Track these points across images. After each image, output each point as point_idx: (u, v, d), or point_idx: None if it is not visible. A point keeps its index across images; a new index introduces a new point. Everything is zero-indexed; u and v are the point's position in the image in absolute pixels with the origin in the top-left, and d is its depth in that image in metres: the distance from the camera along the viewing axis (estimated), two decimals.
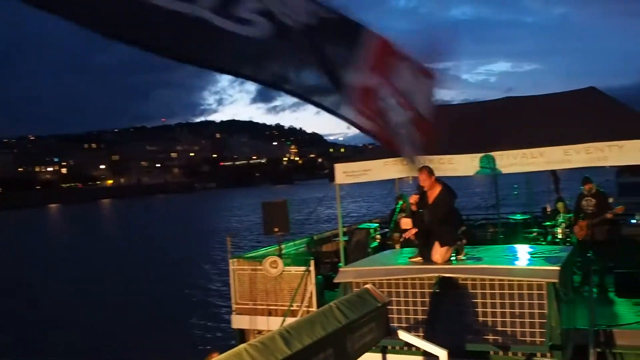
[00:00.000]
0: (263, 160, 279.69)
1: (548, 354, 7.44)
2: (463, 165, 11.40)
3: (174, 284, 32.56)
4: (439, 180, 8.44)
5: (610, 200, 12.71)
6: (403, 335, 6.05)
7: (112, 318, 25.43)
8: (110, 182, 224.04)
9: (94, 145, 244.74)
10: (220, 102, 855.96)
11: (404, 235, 8.58)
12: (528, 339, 7.54)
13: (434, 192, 8.29)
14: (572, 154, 10.41)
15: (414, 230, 8.24)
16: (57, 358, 19.87)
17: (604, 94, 12.20)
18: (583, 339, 8.78)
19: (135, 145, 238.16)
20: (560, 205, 13.53)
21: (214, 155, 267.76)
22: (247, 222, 68.17)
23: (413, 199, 8.36)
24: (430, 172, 8.32)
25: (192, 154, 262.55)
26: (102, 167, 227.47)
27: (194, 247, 48.25)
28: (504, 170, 11.09)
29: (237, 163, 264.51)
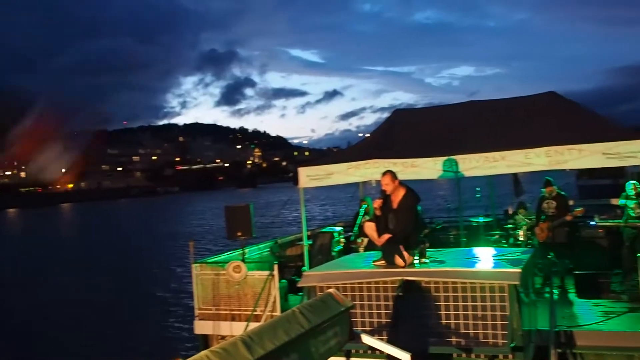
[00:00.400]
0: (227, 164, 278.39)
1: (510, 356, 7.50)
2: (426, 168, 11.48)
3: (136, 290, 32.28)
4: (402, 184, 8.48)
5: (571, 202, 12.92)
6: (366, 339, 6.05)
7: (71, 325, 25.08)
8: (70, 186, 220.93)
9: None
10: (183, 104, 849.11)
11: (378, 241, 8.57)
12: (490, 340, 7.60)
13: (397, 196, 8.32)
14: (533, 157, 10.55)
15: (388, 236, 8.25)
16: None
17: (564, 98, 12.38)
18: (544, 340, 8.90)
19: (96, 149, 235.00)
20: (521, 210, 13.69)
21: (176, 159, 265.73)
22: (210, 227, 67.85)
23: (377, 203, 8.38)
24: (393, 176, 8.36)
25: (154, 158, 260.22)
26: (62, 170, 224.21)
27: (156, 252, 47.87)
28: (467, 174, 11.19)
29: (198, 167, 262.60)
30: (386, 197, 8.37)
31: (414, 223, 8.31)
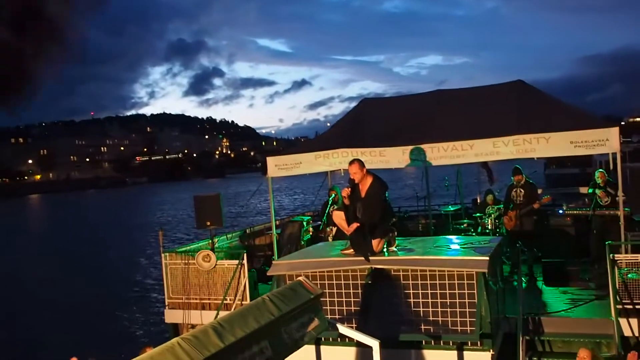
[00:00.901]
0: (195, 154, 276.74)
1: (478, 343, 7.55)
2: (394, 157, 11.50)
3: (106, 280, 32.06)
4: (369, 172, 8.46)
5: (539, 191, 13.03)
6: (337, 326, 6.06)
7: (42, 314, 24.85)
8: (38, 177, 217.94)
9: (20, 140, 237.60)
10: (152, 95, 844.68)
11: (347, 230, 8.55)
12: (459, 328, 7.64)
13: (365, 185, 8.31)
14: (501, 146, 10.61)
15: (356, 225, 8.22)
16: None
17: (532, 86, 12.46)
18: (512, 327, 8.98)
19: (63, 140, 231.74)
20: (489, 197, 13.78)
21: (144, 150, 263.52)
22: (179, 217, 67.55)
23: (345, 191, 8.35)
24: (361, 164, 8.33)
25: (122, 149, 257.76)
26: (30, 162, 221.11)
27: (126, 243, 47.60)
28: (435, 163, 11.22)
29: (167, 157, 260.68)
30: (354, 186, 8.35)
31: (382, 211, 8.30)
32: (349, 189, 8.33)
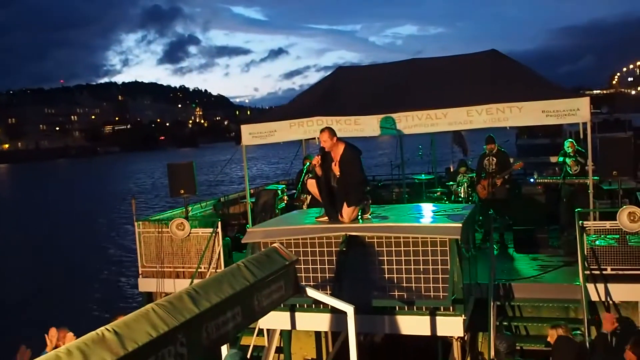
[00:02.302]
0: (167, 123, 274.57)
1: (450, 308, 7.68)
2: (369, 125, 11.52)
3: (78, 249, 31.93)
4: (341, 140, 8.48)
5: (511, 160, 13.16)
6: (311, 293, 6.12)
7: (12, 284, 24.69)
8: (6, 146, 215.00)
9: None
10: (125, 62, 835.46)
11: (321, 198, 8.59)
12: (432, 294, 7.75)
13: (337, 153, 8.32)
14: (474, 114, 10.67)
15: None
16: None
17: (505, 56, 12.51)
18: (484, 293, 9.13)
19: (32, 108, 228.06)
20: (462, 168, 13.88)
21: (116, 118, 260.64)
22: (153, 185, 67.19)
23: (315, 160, 8.36)
24: (332, 133, 8.34)
25: (93, 117, 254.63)
26: None
27: (98, 211, 47.33)
28: (408, 131, 11.27)
29: (138, 126, 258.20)
30: (325, 154, 8.36)
31: (357, 177, 8.33)
32: (319, 156, 8.34)
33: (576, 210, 9.49)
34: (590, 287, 9.03)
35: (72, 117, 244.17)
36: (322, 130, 8.37)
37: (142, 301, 12.24)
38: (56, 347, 7.70)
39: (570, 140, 12.38)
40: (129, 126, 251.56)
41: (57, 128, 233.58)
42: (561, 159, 12.33)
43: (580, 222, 9.25)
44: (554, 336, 7.68)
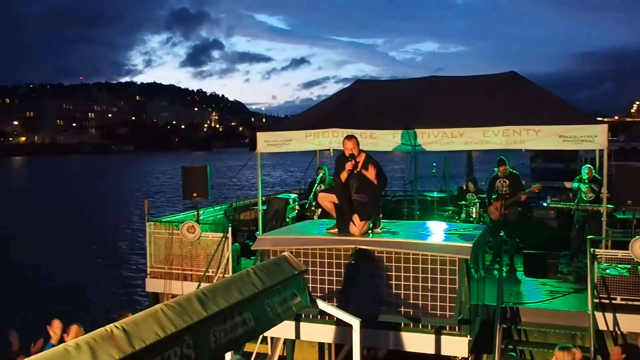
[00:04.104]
0: (183, 126, 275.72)
1: (456, 328, 7.65)
2: (384, 140, 11.54)
3: (88, 246, 32.01)
4: (362, 150, 8.49)
5: (523, 182, 13.11)
6: (318, 304, 6.11)
7: (21, 277, 24.78)
8: (23, 139, 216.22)
9: (7, 100, 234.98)
10: (148, 63, 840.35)
11: (333, 211, 8.56)
12: (438, 312, 7.73)
13: (359, 161, 8.30)
14: (491, 135, 10.67)
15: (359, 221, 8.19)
16: None
17: (525, 79, 12.51)
18: (490, 315, 9.09)
19: (51, 103, 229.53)
20: (471, 185, 13.85)
21: (132, 118, 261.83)
22: (165, 187, 67.39)
23: (350, 164, 8.24)
24: (357, 141, 8.36)
25: (110, 115, 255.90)
26: (15, 123, 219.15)
27: (110, 210, 47.49)
28: (424, 148, 11.28)
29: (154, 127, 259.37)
30: (348, 162, 8.29)
31: (380, 185, 8.28)
32: (352, 162, 8.25)
33: (588, 237, 9.44)
34: (599, 315, 8.96)
35: (89, 114, 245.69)
36: (349, 138, 8.33)
37: (149, 301, 12.27)
38: (62, 339, 7.75)
39: (588, 166, 12.31)
40: (144, 126, 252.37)
41: (74, 124, 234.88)
42: (576, 184, 12.28)
43: (592, 249, 9.19)
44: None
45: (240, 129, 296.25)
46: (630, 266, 9.06)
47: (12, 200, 57.90)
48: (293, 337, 8.87)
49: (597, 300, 9.02)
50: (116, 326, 3.36)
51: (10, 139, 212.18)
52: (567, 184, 15.69)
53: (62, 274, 25.39)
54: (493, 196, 12.55)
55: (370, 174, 8.18)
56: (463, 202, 13.79)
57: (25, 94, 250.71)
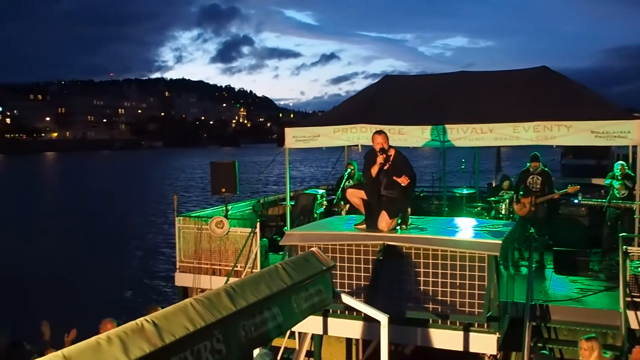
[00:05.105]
0: (211, 122, 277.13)
1: (485, 325, 7.59)
2: (413, 136, 11.48)
3: (119, 240, 32.34)
4: (391, 146, 8.45)
5: (553, 179, 12.97)
6: (346, 299, 6.10)
7: (52, 274, 25.06)
8: (55, 135, 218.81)
9: (39, 97, 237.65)
10: (179, 59, 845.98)
11: (361, 207, 8.54)
12: (467, 309, 7.68)
13: (391, 155, 8.26)
14: (521, 131, 10.56)
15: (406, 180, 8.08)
16: None
17: (557, 73, 12.36)
18: (520, 312, 9.01)
19: (81, 99, 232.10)
20: (505, 183, 13.73)
21: (161, 114, 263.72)
22: (194, 182, 67.80)
23: (381, 158, 8.20)
24: (387, 136, 8.33)
25: (139, 111, 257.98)
26: (48, 119, 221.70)
27: (140, 205, 47.92)
28: (454, 144, 11.20)
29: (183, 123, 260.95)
30: (377, 158, 8.24)
31: (410, 182, 8.22)
32: (383, 155, 8.21)
33: (620, 234, 9.31)
34: (631, 314, 8.83)
35: (119, 110, 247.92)
36: (379, 133, 8.29)
37: (178, 295, 12.37)
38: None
39: (621, 162, 12.13)
40: (172, 122, 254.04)
41: (104, 120, 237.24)
42: (608, 181, 12.11)
43: (624, 247, 9.06)
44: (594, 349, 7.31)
45: (268, 124, 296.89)
46: None
47: (45, 196, 58.69)
48: (321, 333, 8.89)
49: (629, 299, 8.90)
50: (146, 320, 3.39)
51: (43, 134, 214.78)
52: (599, 181, 15.48)
53: (93, 268, 25.66)
54: (521, 192, 12.43)
55: (403, 180, 8.09)
56: (492, 199, 13.68)
57: (56, 90, 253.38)
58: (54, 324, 8.21)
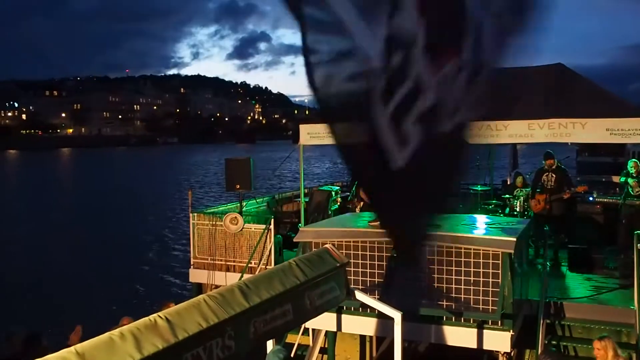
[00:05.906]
0: (226, 118, 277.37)
1: (499, 322, 7.59)
2: None
3: (134, 235, 32.46)
4: None
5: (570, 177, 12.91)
6: (360, 296, 6.12)
7: (67, 269, 25.20)
8: (70, 131, 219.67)
9: (55, 93, 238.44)
10: (195, 55, 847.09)
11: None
12: (481, 306, 7.68)
13: None
14: (536, 128, 10.50)
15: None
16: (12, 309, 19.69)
17: (572, 70, 12.28)
18: (534, 309, 8.98)
19: (97, 95, 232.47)
20: (519, 180, 13.67)
21: (177, 110, 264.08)
22: (209, 178, 67.94)
23: None
24: None
25: (155, 108, 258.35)
26: (63, 115, 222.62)
27: (155, 201, 48.01)
28: (468, 141, 11.14)
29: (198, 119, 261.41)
30: None
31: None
32: None
33: (635, 232, 9.26)
34: None
35: (135, 106, 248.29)
36: None
37: (192, 291, 12.41)
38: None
39: (634, 160, 12.06)
40: (188, 119, 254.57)
41: (120, 116, 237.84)
42: (623, 179, 12.04)
43: (639, 244, 9.01)
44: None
45: (284, 121, 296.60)
46: None
47: (60, 192, 58.97)
48: (335, 329, 8.90)
49: None
50: (160, 316, 3.42)
51: (58, 130, 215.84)
52: (614, 178, 15.38)
53: (108, 264, 25.76)
54: (537, 190, 12.38)
55: None
56: (507, 196, 13.63)
57: (72, 86, 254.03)
58: (66, 319, 8.24)
